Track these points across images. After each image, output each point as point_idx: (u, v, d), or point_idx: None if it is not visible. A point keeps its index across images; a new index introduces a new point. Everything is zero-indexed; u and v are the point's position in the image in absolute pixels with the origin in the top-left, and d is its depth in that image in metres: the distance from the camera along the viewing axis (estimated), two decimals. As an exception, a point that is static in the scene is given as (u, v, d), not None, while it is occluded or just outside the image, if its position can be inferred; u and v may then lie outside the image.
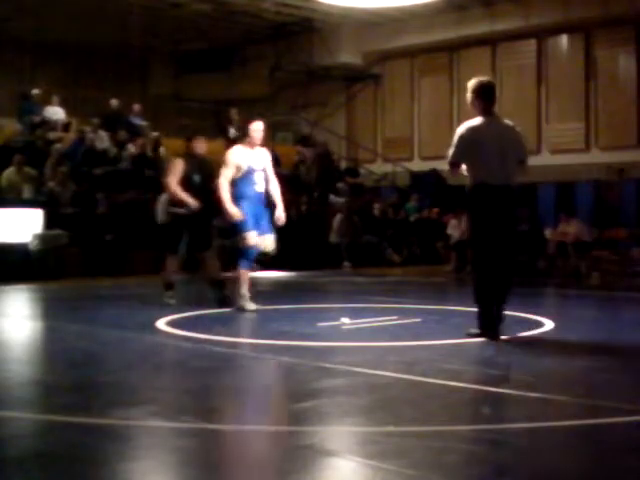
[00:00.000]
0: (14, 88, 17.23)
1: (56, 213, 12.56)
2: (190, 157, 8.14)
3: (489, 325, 5.94)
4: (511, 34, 17.68)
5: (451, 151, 6.14)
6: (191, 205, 7.90)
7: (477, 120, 6.07)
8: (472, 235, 6.15)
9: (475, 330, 6.02)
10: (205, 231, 8.21)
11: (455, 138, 6.14)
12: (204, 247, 8.15)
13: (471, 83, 6.24)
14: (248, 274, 7.74)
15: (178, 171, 8.04)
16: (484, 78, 6.35)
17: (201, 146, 8.21)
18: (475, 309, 6.04)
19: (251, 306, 7.65)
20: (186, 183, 7.99)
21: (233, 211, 7.48)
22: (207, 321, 7.09)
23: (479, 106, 6.08)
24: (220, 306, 7.86)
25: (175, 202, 8.09)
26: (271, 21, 18.95)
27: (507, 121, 6.21)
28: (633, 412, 3.79)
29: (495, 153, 5.95)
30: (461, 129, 6.13)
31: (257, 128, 7.66)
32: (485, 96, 6.10)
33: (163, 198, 8.55)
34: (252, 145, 7.67)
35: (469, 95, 6.22)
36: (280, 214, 7.72)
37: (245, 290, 7.67)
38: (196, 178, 8.05)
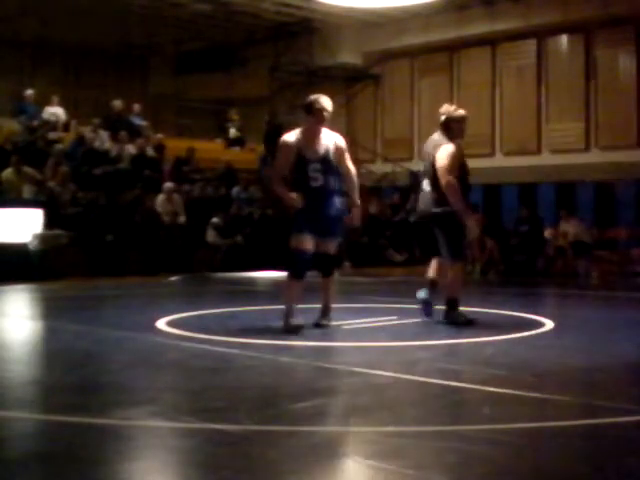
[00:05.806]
0: (14, 88, 17.24)
1: (56, 213, 12.57)
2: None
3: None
4: (511, 34, 17.66)
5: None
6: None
7: None
8: None
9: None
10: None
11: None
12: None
13: None
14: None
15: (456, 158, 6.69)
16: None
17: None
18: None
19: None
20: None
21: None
22: (207, 321, 7.09)
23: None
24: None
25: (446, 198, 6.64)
26: (271, 21, 18.94)
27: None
28: (633, 412, 3.79)
29: None
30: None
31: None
32: None
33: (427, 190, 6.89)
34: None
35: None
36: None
37: None
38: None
